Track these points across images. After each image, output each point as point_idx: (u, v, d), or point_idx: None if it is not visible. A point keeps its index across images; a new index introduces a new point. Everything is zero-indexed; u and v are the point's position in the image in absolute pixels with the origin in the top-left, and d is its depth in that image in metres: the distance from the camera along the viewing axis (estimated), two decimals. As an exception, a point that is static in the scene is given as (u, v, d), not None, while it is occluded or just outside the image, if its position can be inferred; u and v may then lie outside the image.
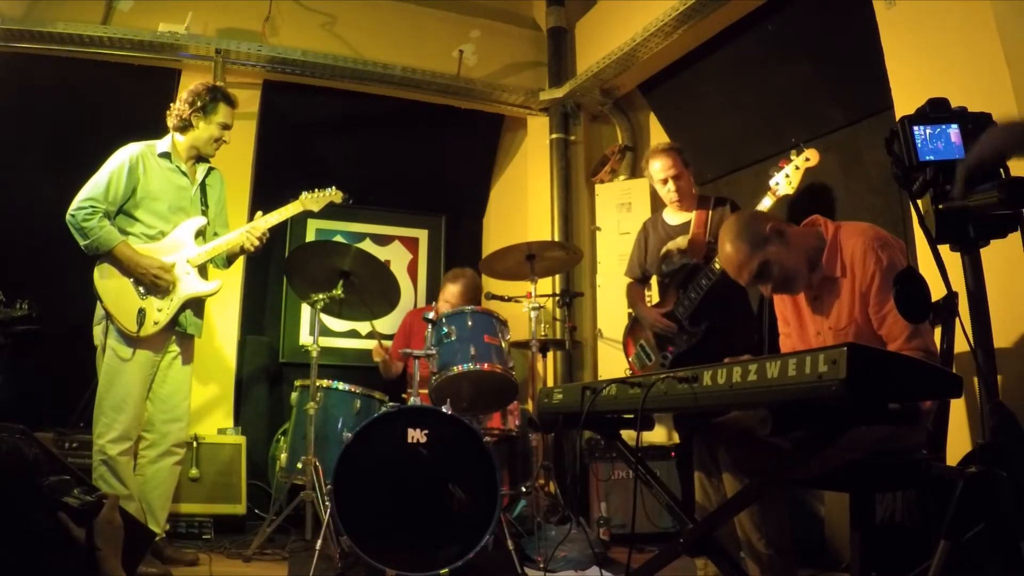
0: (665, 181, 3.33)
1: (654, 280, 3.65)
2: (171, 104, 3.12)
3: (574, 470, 3.88)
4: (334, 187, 3.28)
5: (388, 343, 4.18)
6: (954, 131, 1.33)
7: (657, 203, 4.40)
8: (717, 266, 3.00)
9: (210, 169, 3.14)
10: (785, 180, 2.78)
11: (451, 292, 3.98)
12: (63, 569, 1.40)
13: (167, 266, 2.87)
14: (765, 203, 2.83)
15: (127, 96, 4.21)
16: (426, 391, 3.18)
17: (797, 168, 2.74)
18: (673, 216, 3.42)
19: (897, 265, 2.02)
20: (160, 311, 2.84)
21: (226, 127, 3.07)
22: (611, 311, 4.53)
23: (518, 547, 2.96)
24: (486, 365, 3.08)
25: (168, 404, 2.93)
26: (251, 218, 3.16)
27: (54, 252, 3.42)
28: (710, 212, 3.29)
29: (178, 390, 2.96)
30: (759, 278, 2.15)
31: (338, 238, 4.71)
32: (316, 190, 3.26)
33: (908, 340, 1.98)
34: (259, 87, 4.47)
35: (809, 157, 2.69)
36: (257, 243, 3.04)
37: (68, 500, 1.33)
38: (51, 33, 3.93)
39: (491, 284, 4.17)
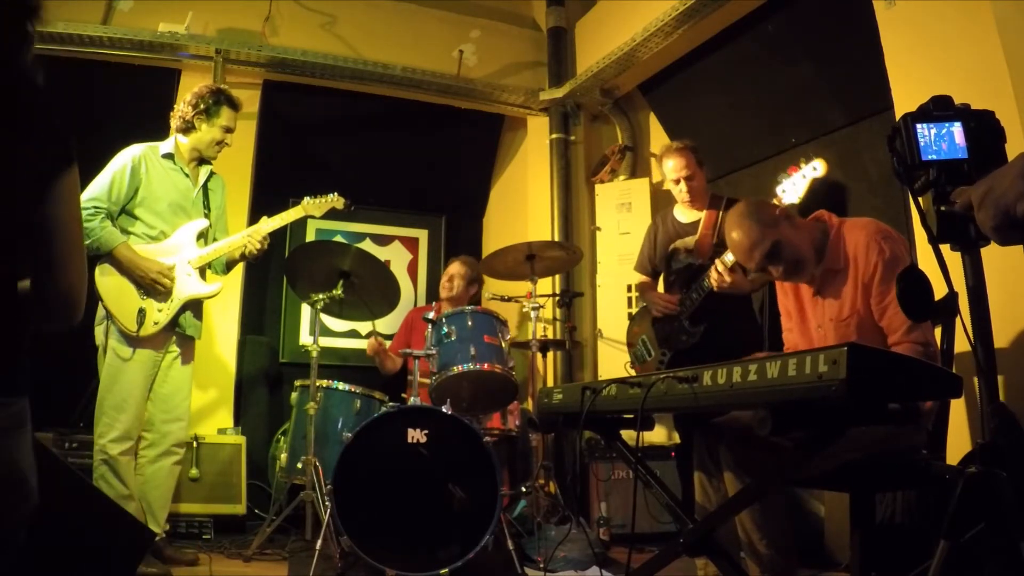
0: (678, 181, 3.32)
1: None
2: (173, 105, 3.12)
3: (574, 470, 3.88)
4: (336, 193, 3.28)
5: (385, 341, 4.17)
6: (957, 129, 1.32)
7: (658, 203, 4.42)
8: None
9: (212, 173, 3.15)
10: (792, 188, 2.76)
11: (452, 268, 4.07)
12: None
13: (167, 269, 2.87)
14: None
15: (127, 96, 4.21)
16: (426, 391, 3.18)
17: (804, 177, 2.73)
18: (684, 214, 3.41)
19: (900, 257, 2.02)
20: (160, 311, 2.85)
21: (228, 130, 3.08)
22: (611, 311, 4.52)
23: (518, 547, 2.96)
24: (486, 365, 3.08)
25: (168, 404, 2.93)
26: (252, 219, 3.17)
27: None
28: (720, 213, 3.28)
29: (178, 390, 2.97)
30: (770, 259, 2.13)
31: (338, 238, 4.71)
32: (319, 196, 3.26)
33: (907, 332, 1.98)
34: (259, 87, 4.47)
35: (817, 167, 2.68)
36: (259, 247, 3.04)
37: None
38: (51, 33, 3.92)
39: (491, 284, 4.17)
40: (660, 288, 3.57)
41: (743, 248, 2.17)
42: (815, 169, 2.63)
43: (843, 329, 2.11)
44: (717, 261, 2.94)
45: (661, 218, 3.55)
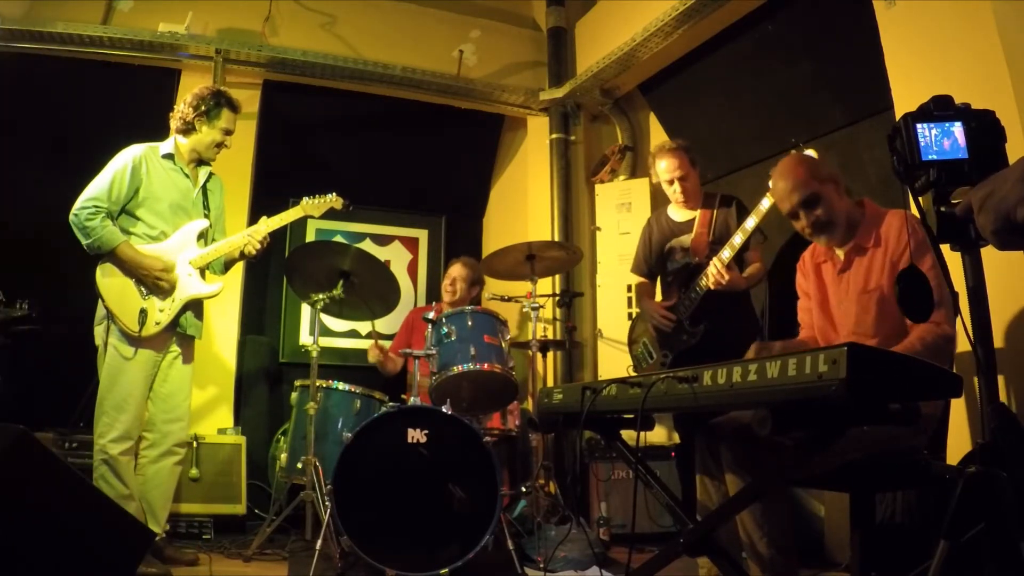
0: (671, 182, 3.31)
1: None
2: (172, 106, 3.13)
3: (574, 470, 3.88)
4: (335, 193, 3.28)
5: (384, 343, 4.17)
6: (958, 129, 1.32)
7: (657, 203, 4.41)
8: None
9: (211, 174, 3.15)
10: None
11: (453, 270, 4.04)
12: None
13: (169, 267, 2.87)
14: (764, 204, 2.82)
15: (127, 96, 4.21)
16: (426, 391, 3.18)
17: None
18: (678, 212, 3.41)
19: (929, 243, 2.02)
20: (162, 311, 2.85)
21: (228, 132, 3.09)
22: (611, 311, 4.53)
23: (518, 547, 2.96)
24: (486, 365, 3.08)
25: (169, 404, 2.93)
26: (252, 219, 3.17)
27: (54, 252, 3.42)
28: (715, 212, 3.27)
29: (179, 390, 2.97)
30: (805, 206, 2.16)
31: (338, 238, 4.71)
32: (317, 196, 3.26)
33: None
34: (259, 87, 4.48)
35: None
36: (258, 247, 3.04)
37: None
38: (51, 33, 3.93)
39: (491, 284, 4.17)
40: (658, 288, 3.56)
41: (785, 188, 2.20)
42: None
43: (865, 301, 2.12)
44: (715, 259, 2.94)
45: (655, 218, 3.54)
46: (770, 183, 2.31)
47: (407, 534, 2.67)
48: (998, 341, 1.37)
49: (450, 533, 2.69)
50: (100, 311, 2.84)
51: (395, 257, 5.05)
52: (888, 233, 2.12)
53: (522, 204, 5.12)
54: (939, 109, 1.34)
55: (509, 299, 3.86)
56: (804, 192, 2.16)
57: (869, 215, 2.19)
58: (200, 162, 3.11)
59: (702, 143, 4.27)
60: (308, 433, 3.12)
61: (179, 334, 2.96)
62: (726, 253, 2.91)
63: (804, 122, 3.71)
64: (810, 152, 2.61)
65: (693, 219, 3.32)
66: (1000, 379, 2.27)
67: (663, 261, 3.41)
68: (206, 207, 3.09)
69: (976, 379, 1.30)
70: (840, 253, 2.23)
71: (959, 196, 1.28)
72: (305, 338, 4.68)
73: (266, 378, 4.52)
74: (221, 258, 3.06)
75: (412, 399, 2.95)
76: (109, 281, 2.80)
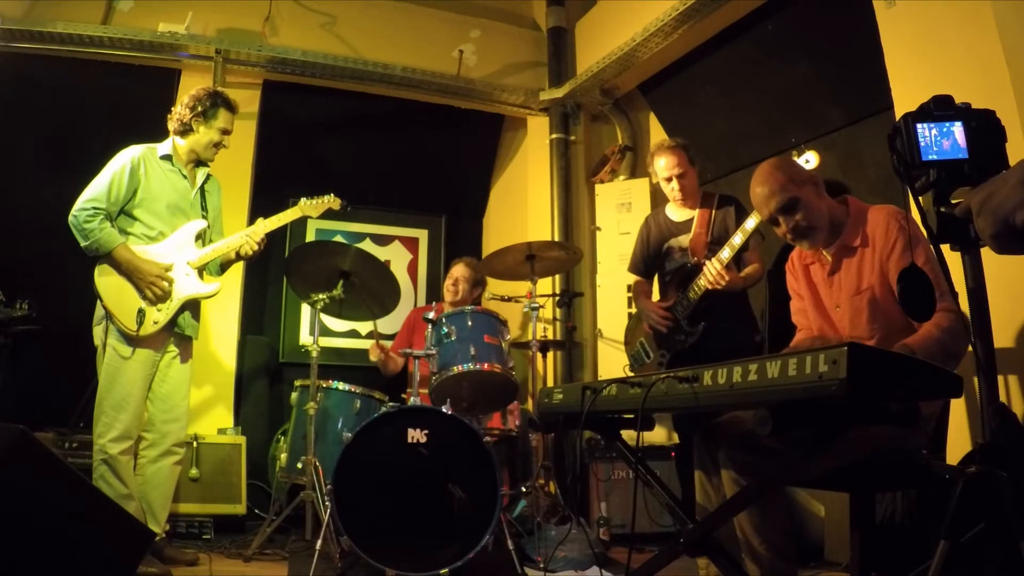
0: (669, 179, 3.30)
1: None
2: (172, 106, 3.13)
3: (574, 470, 3.88)
4: (332, 194, 3.28)
5: (386, 343, 4.18)
6: (958, 129, 1.32)
7: (657, 203, 4.41)
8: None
9: (209, 175, 3.15)
10: None
11: (456, 270, 4.04)
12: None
13: (165, 272, 2.87)
14: None
15: (127, 96, 4.21)
16: (426, 391, 3.18)
17: None
18: (676, 212, 3.41)
19: (919, 236, 2.00)
20: (160, 311, 2.85)
21: (226, 132, 3.08)
22: (611, 311, 4.53)
23: (518, 547, 2.96)
24: (486, 365, 3.08)
25: (168, 404, 2.93)
26: (251, 220, 3.17)
27: (54, 252, 3.42)
28: (713, 212, 3.27)
29: (177, 389, 2.97)
30: (784, 211, 2.13)
31: (338, 238, 4.72)
32: (315, 196, 3.26)
33: (939, 300, 1.93)
34: (259, 87, 4.48)
35: (810, 159, 2.68)
36: (256, 247, 3.04)
37: None
38: (51, 33, 3.93)
39: (491, 284, 4.17)
40: (655, 287, 3.56)
41: (763, 194, 2.17)
42: (808, 162, 2.63)
43: (857, 302, 2.10)
44: (714, 259, 2.94)
45: (653, 217, 3.54)
46: (751, 189, 2.29)
47: (407, 534, 2.67)
48: (998, 341, 1.37)
49: (450, 533, 2.69)
50: (99, 311, 2.84)
51: (395, 257, 5.05)
52: (875, 231, 2.09)
53: (522, 204, 5.12)
54: (939, 109, 1.34)
55: (509, 299, 3.86)
56: (782, 197, 2.12)
57: (853, 213, 2.16)
58: (198, 163, 3.11)
59: (702, 143, 4.27)
60: (308, 433, 3.12)
61: (177, 334, 2.96)
62: (725, 253, 2.91)
63: (804, 122, 3.71)
64: (810, 154, 2.61)
65: (691, 219, 3.32)
66: (1000, 379, 2.28)
67: (661, 260, 3.41)
68: (204, 208, 3.10)
69: (976, 379, 1.30)
70: (827, 254, 2.21)
71: (959, 196, 1.28)
72: (305, 338, 4.68)
73: (266, 378, 4.52)
74: (218, 259, 3.06)
75: (412, 399, 2.95)
76: (107, 280, 2.80)
